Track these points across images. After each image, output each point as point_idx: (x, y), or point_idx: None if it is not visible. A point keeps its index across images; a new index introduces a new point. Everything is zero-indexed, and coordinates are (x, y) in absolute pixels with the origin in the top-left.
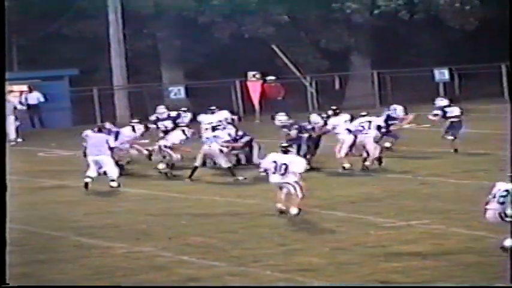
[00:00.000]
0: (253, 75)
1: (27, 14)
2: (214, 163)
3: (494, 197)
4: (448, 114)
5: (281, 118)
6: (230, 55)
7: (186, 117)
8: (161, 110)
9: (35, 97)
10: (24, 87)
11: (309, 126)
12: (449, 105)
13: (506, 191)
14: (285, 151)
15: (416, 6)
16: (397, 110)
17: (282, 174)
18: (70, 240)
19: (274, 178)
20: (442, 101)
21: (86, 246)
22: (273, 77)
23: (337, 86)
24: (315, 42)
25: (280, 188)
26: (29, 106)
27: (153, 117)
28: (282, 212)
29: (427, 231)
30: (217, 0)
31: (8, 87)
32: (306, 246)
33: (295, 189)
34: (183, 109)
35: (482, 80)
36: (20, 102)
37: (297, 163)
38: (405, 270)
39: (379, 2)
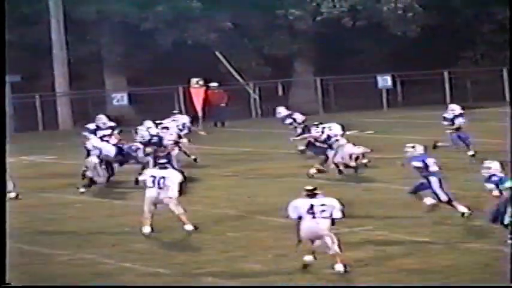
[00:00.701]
0: (196, 82)
1: None
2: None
3: (324, 211)
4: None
5: (143, 133)
6: (173, 61)
7: (177, 120)
8: (103, 119)
9: None
10: None
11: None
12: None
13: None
14: (163, 167)
15: (359, 13)
16: (450, 108)
17: (160, 188)
18: (10, 247)
19: (151, 192)
20: (298, 115)
21: (28, 254)
22: (216, 84)
23: (280, 92)
24: (258, 48)
25: (155, 205)
26: None
27: (92, 126)
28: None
29: (369, 238)
30: (160, 6)
31: None
32: (248, 253)
33: (174, 204)
34: (174, 111)
35: (424, 86)
36: None
37: (173, 177)
38: (348, 277)
39: (322, 8)
